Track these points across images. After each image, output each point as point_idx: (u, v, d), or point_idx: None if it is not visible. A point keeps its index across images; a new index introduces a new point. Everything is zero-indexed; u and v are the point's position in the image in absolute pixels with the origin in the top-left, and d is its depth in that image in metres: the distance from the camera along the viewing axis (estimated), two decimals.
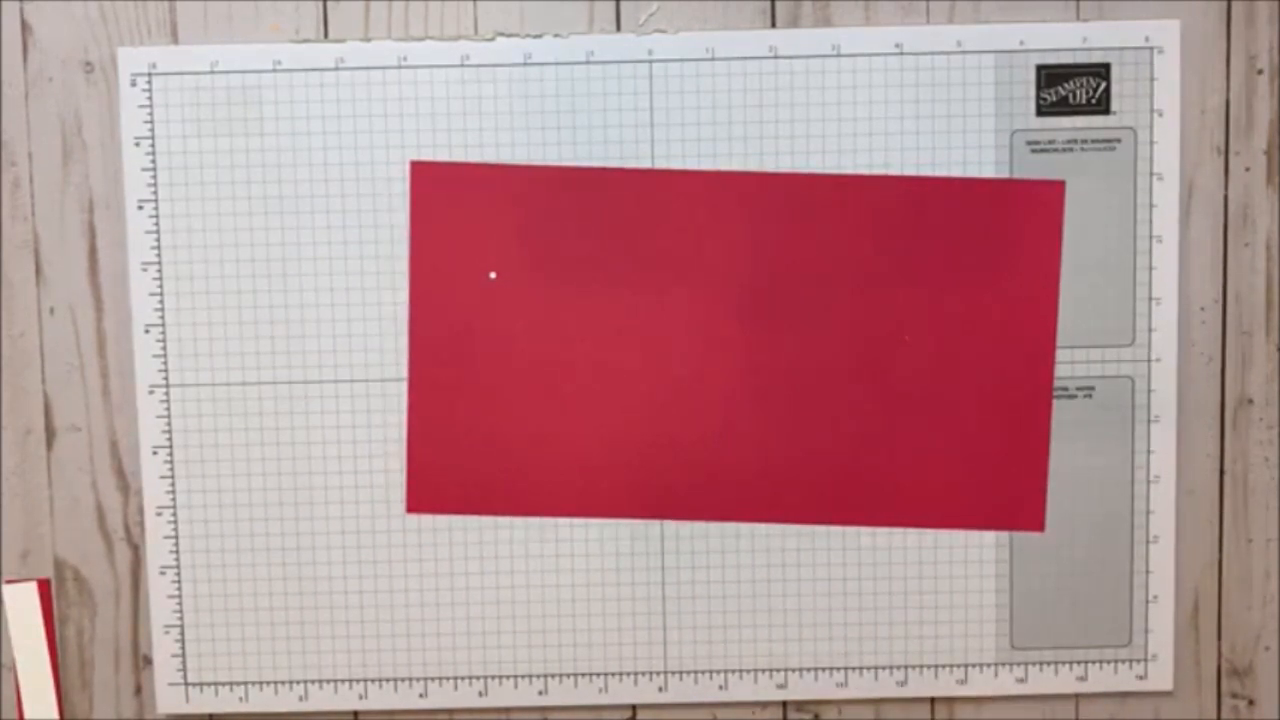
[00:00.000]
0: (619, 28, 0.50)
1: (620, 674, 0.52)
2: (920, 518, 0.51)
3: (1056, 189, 0.49)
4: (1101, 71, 0.50)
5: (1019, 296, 0.50)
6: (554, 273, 0.50)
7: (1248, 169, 0.51)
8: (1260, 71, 0.50)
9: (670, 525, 0.51)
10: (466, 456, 0.51)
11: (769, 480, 0.51)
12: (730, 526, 0.51)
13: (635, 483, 0.51)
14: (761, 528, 0.51)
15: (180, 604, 0.52)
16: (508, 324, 0.50)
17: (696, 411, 0.51)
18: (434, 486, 0.51)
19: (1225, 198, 0.51)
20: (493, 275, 0.50)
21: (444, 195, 0.50)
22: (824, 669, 0.52)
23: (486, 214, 0.50)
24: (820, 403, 0.50)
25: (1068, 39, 0.50)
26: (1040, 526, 0.51)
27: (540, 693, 0.52)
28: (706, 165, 0.50)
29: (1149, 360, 0.51)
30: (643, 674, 0.52)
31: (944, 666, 0.52)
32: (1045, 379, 0.50)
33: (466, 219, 0.50)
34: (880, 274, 0.50)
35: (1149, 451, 0.51)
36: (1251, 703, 0.52)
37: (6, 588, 0.52)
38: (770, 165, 0.50)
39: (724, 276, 0.50)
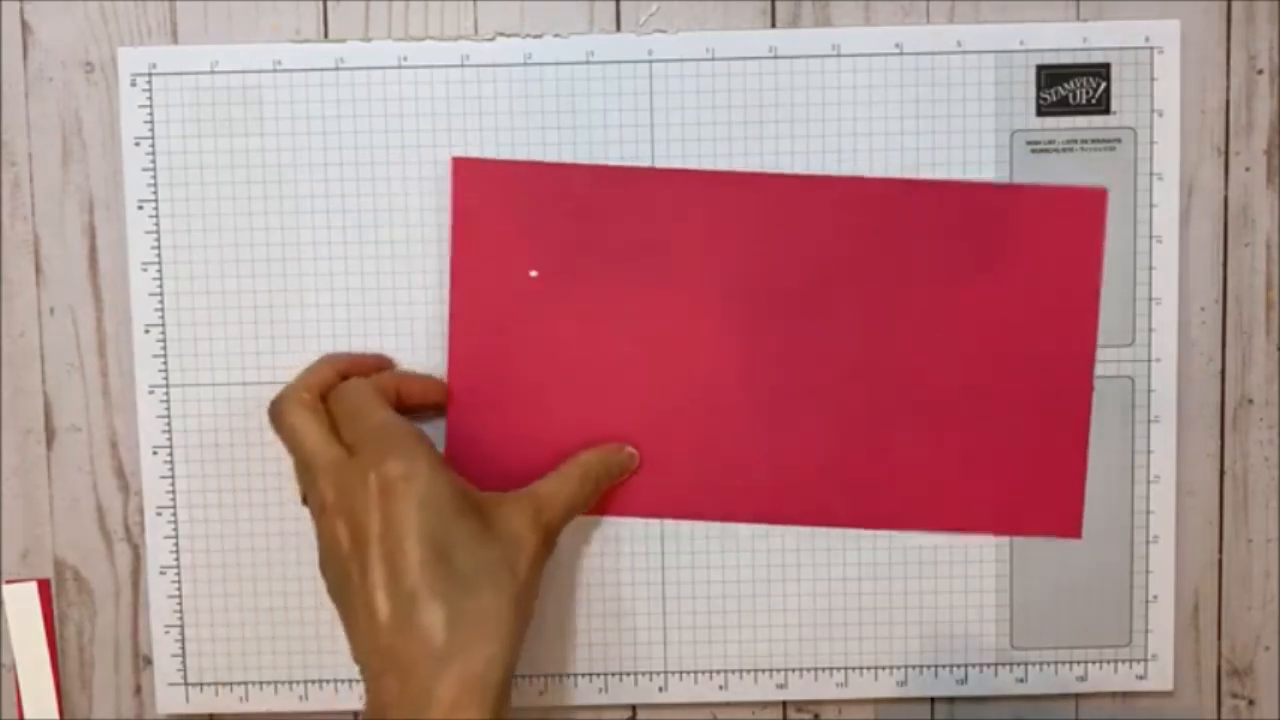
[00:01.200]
0: (619, 28, 0.50)
1: (620, 674, 0.52)
2: (951, 522, 0.51)
3: (1099, 196, 0.49)
4: (1101, 71, 0.50)
5: (1056, 305, 0.50)
6: (575, 274, 0.50)
7: (1248, 169, 0.51)
8: (1260, 71, 0.50)
9: (670, 525, 0.51)
10: (503, 453, 0.50)
11: (781, 481, 0.51)
12: (730, 526, 0.51)
13: (635, 482, 0.51)
14: (761, 528, 0.51)
15: (180, 604, 0.52)
16: (538, 324, 0.50)
17: (705, 411, 0.50)
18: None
19: (1225, 198, 0.51)
20: (534, 274, 0.50)
21: (486, 193, 0.50)
22: (824, 669, 0.52)
23: (529, 211, 0.50)
24: (848, 407, 0.50)
25: (1068, 39, 0.50)
26: (1078, 533, 0.51)
27: (540, 693, 0.52)
28: (707, 165, 0.50)
29: (1149, 360, 0.51)
30: (643, 674, 0.52)
31: (944, 666, 0.52)
32: (1084, 386, 0.50)
33: (509, 218, 0.50)
34: (905, 277, 0.50)
35: (1149, 451, 0.51)
36: (1251, 703, 0.52)
37: (6, 588, 0.52)
38: (770, 165, 0.50)
39: (747, 276, 0.50)
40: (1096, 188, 0.50)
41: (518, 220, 0.50)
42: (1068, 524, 0.51)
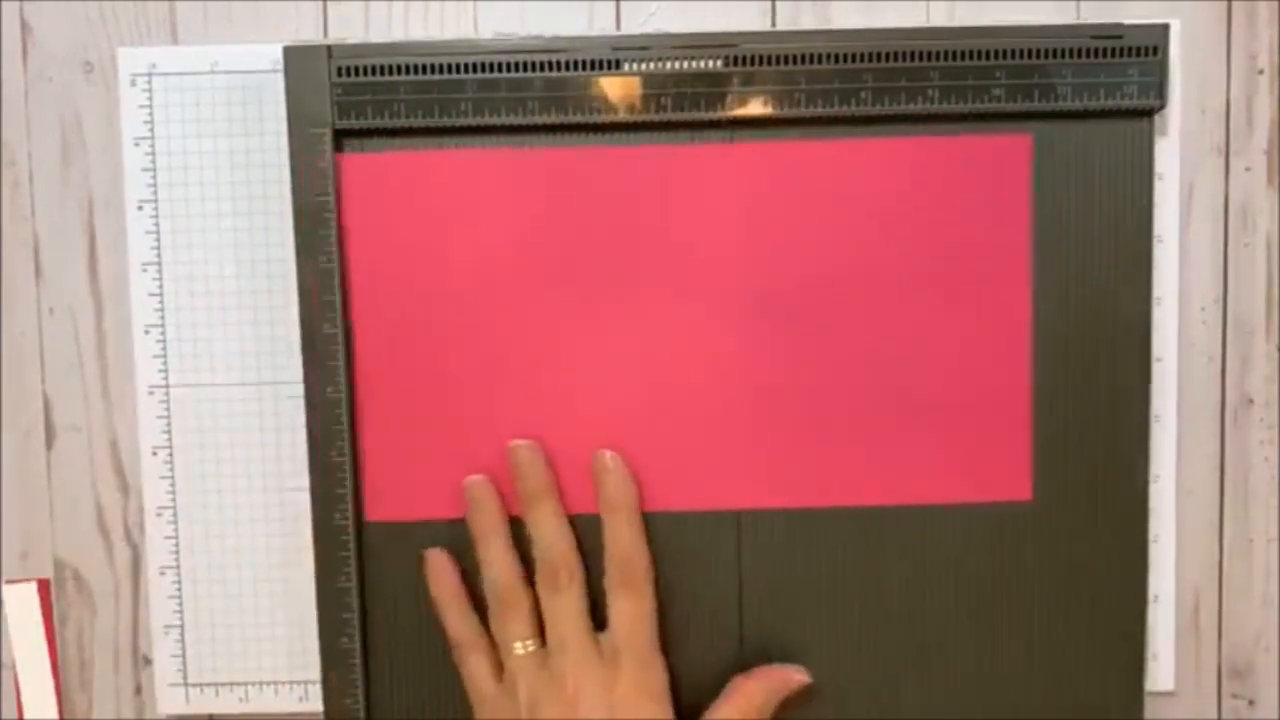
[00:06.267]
0: (619, 28, 0.50)
1: None
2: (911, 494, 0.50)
3: (1022, 144, 0.49)
4: None
5: (990, 264, 0.49)
6: (540, 265, 0.50)
7: (1248, 169, 0.51)
8: (1260, 71, 0.50)
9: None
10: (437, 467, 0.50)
11: (766, 465, 0.51)
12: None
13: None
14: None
15: (180, 604, 0.52)
16: (496, 320, 0.50)
17: (688, 399, 0.50)
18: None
19: (1225, 198, 0.51)
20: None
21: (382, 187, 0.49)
22: None
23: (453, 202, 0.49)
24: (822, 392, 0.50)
25: None
26: (1028, 495, 0.50)
27: None
28: None
29: (1149, 360, 0.51)
30: None
31: None
32: (1021, 343, 0.49)
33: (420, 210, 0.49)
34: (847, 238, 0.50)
35: (1149, 451, 0.51)
36: (1252, 703, 0.52)
37: (6, 588, 0.52)
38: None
39: (721, 265, 0.50)
40: (1021, 136, 0.49)
41: (427, 217, 0.49)
42: (1017, 487, 0.50)
